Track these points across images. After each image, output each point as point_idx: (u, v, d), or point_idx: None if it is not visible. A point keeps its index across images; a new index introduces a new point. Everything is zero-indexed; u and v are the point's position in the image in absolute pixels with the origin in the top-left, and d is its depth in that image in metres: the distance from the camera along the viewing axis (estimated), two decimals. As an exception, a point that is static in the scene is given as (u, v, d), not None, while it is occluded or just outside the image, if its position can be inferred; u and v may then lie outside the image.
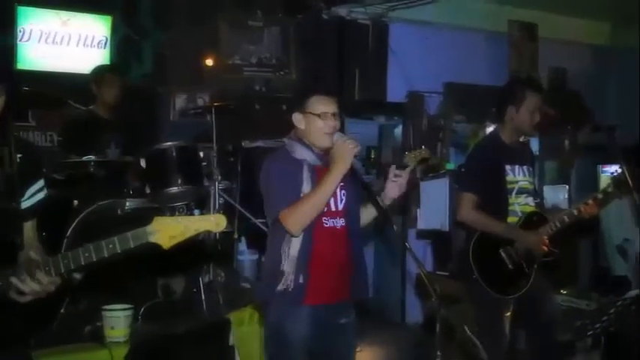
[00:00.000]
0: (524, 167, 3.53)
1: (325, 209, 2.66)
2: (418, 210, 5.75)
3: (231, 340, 3.91)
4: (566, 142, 6.52)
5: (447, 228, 5.25)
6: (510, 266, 3.38)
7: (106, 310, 3.67)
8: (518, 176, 3.49)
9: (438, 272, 5.36)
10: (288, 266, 2.60)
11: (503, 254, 3.38)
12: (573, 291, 4.78)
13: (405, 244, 2.69)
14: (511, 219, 3.45)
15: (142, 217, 2.56)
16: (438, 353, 2.50)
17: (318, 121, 2.68)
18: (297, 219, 2.57)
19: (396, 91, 6.17)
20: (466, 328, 3.08)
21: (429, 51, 6.23)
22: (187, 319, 4.03)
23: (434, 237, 5.69)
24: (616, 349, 3.81)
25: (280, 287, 2.60)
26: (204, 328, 3.90)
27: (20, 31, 5.31)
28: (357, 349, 2.99)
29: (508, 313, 3.39)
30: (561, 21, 6.90)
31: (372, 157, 6.53)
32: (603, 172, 5.37)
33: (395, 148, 6.47)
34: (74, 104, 4.94)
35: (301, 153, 2.70)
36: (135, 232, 1.98)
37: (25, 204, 2.20)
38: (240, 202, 5.01)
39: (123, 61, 5.85)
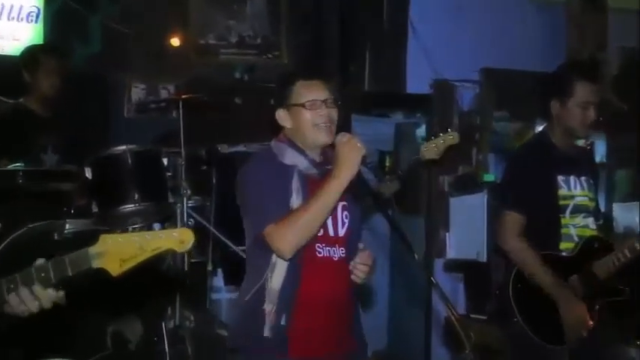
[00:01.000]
0: (583, 179, 3.57)
1: (321, 232, 2.66)
2: (447, 234, 5.79)
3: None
4: (643, 146, 6.54)
5: (484, 258, 5.31)
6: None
7: (37, 368, 3.70)
8: (574, 190, 3.53)
9: (473, 315, 5.41)
10: (268, 302, 2.59)
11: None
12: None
13: (431, 279, 2.70)
14: (564, 245, 3.49)
15: (86, 243, 2.59)
16: (472, 421, 2.53)
17: (304, 113, 2.70)
18: (289, 235, 2.55)
19: (418, 80, 6.18)
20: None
21: (461, 27, 6.25)
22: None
23: (467, 269, 5.73)
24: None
25: (260, 331, 2.59)
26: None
27: None
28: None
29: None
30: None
31: (387, 165, 6.45)
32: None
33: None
34: (-3, 96, 5.00)
35: (291, 158, 2.72)
36: (74, 255, 1.99)
37: None
38: (215, 224, 5.01)
39: (62, 39, 5.82)
